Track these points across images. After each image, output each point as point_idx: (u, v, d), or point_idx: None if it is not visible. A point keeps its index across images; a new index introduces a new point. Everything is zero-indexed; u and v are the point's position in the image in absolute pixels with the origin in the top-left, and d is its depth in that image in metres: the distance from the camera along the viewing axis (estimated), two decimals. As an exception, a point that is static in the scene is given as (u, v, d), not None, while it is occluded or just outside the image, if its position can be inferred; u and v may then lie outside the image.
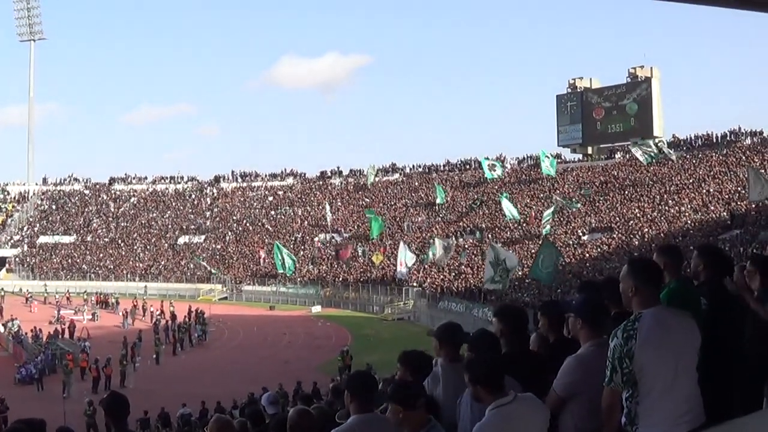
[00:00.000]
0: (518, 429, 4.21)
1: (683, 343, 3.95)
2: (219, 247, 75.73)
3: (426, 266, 56.51)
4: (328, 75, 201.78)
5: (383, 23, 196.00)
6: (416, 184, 77.29)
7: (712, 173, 57.47)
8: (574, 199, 60.80)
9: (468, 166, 77.21)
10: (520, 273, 44.91)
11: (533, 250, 48.38)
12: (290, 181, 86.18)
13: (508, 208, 59.22)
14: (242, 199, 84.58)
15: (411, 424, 4.42)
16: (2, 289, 65.04)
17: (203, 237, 78.43)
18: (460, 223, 65.02)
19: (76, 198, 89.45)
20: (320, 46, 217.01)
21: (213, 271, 68.27)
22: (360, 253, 63.73)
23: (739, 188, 51.37)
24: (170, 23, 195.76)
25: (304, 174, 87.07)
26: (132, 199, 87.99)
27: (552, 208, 56.71)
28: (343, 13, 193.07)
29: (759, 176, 44.52)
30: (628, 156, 67.75)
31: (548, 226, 54.98)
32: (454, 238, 60.59)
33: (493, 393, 4.24)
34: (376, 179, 79.65)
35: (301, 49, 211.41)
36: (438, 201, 69.14)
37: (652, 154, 62.38)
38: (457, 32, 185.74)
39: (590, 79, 74.93)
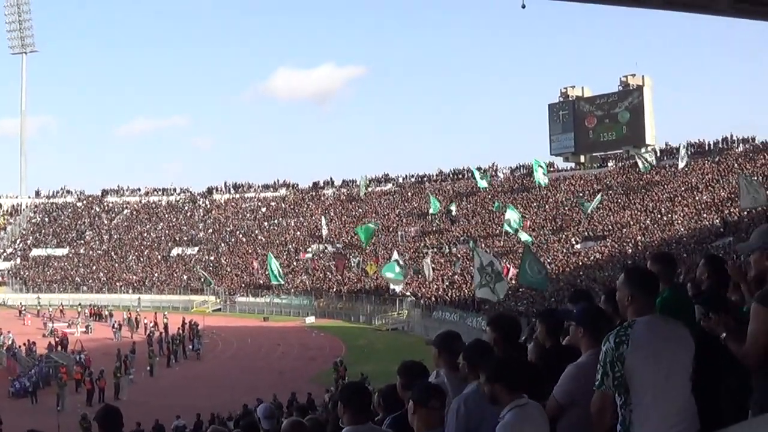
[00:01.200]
0: (535, 430, 4.24)
1: (676, 351, 3.95)
2: (212, 258, 75.55)
3: (418, 276, 56.48)
4: (323, 86, 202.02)
5: (378, 34, 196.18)
6: (409, 194, 77.33)
7: (704, 181, 57.63)
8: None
9: (461, 176, 77.33)
10: (513, 282, 44.86)
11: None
12: (283, 192, 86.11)
13: (512, 219, 57.07)
14: (235, 211, 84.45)
15: (421, 421, 4.42)
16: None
17: (196, 248, 78.23)
18: (454, 233, 65.00)
19: (69, 210, 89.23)
20: (315, 57, 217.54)
21: (210, 281, 67.89)
22: (354, 264, 63.60)
23: (731, 195, 51.47)
24: (164, 35, 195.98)
25: (297, 185, 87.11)
26: (125, 211, 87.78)
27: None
28: (338, 24, 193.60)
29: (751, 183, 44.71)
30: (620, 164, 67.95)
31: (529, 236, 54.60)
32: (447, 247, 60.67)
33: (512, 393, 4.26)
34: (369, 190, 79.69)
35: (296, 60, 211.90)
36: (432, 211, 68.98)
37: (649, 163, 62.70)
38: (450, 43, 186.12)
39: (582, 88, 75.22)
